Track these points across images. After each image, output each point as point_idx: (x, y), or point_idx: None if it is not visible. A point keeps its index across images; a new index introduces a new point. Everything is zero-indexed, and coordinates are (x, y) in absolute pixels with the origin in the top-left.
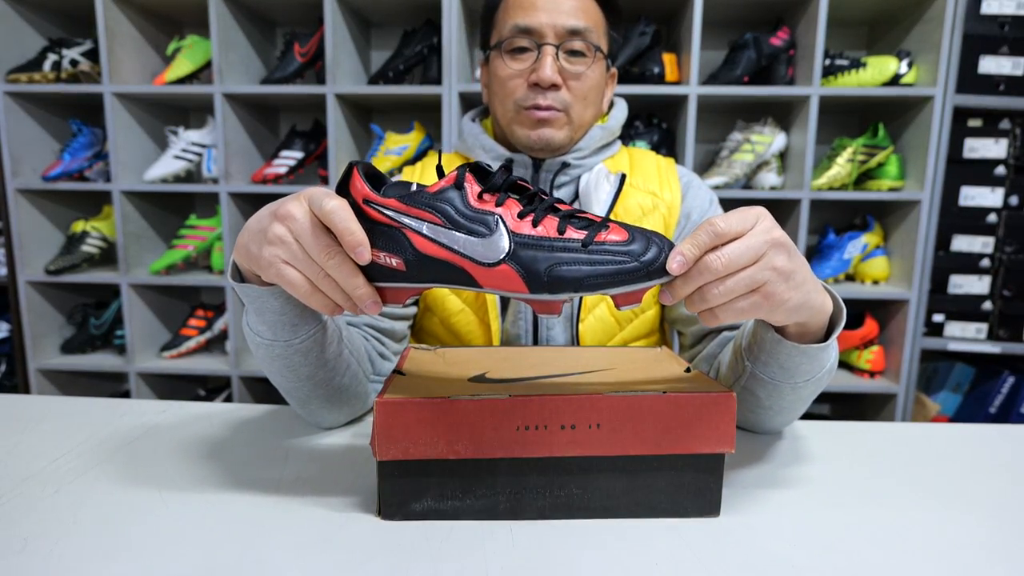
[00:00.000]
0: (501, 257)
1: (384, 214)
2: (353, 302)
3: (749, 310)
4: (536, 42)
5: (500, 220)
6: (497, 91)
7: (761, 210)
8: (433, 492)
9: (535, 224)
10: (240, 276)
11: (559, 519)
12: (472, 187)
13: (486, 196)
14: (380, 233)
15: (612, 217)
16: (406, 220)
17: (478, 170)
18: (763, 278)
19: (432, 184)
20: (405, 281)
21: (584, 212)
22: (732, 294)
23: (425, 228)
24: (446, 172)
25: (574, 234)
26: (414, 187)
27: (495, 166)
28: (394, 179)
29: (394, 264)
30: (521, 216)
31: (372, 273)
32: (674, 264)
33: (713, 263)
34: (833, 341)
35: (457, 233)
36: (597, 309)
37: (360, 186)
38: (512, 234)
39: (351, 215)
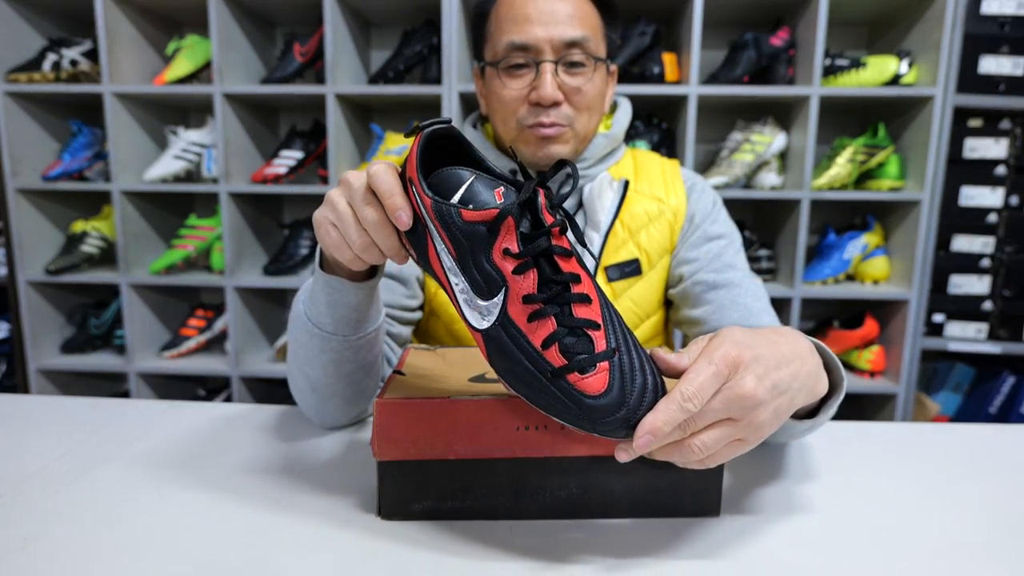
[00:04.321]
0: (481, 327)
1: (418, 203)
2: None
3: (732, 454)
4: (533, 59)
5: (503, 292)
6: (497, 109)
7: (730, 360)
8: (433, 492)
9: (530, 320)
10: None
11: (559, 519)
12: (504, 238)
13: (509, 259)
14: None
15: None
16: (431, 226)
17: (532, 204)
18: (743, 434)
19: (472, 208)
20: (416, 263)
21: (600, 328)
22: (711, 450)
23: (441, 248)
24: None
25: (554, 357)
26: (462, 190)
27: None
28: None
29: (408, 251)
30: (526, 301)
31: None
32: (641, 442)
33: (690, 447)
34: (831, 411)
35: (462, 276)
36: None
37: (412, 163)
38: (504, 313)
39: (395, 180)
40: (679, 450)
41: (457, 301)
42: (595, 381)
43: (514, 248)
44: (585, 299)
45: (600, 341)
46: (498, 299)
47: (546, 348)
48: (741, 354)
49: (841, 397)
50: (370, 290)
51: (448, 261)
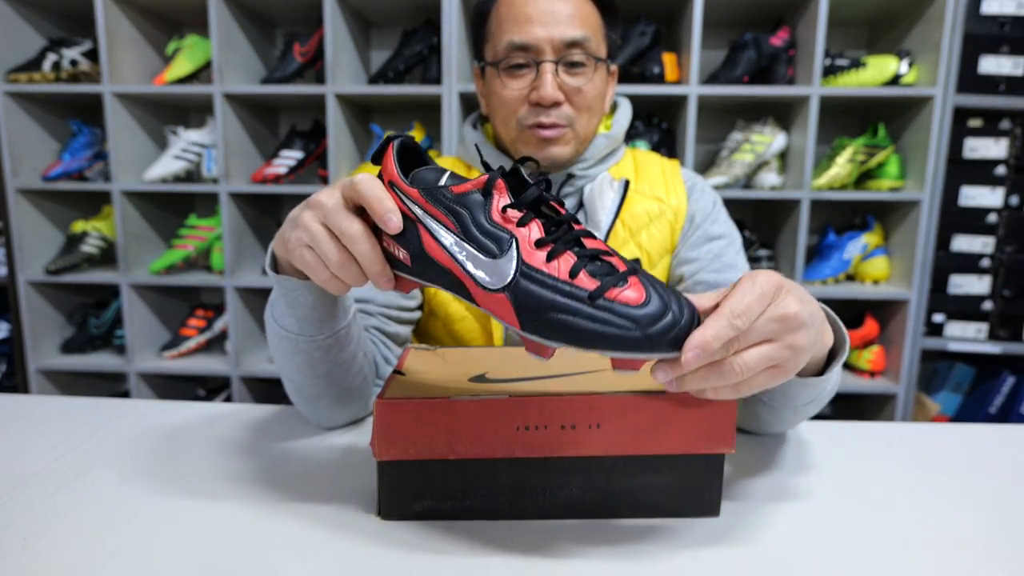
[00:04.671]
0: (502, 285)
1: (404, 202)
2: (366, 277)
3: (767, 382)
4: (534, 59)
5: (515, 243)
6: (498, 109)
7: (775, 282)
8: (433, 492)
9: (549, 259)
10: (278, 269)
11: (559, 519)
12: (499, 198)
13: (511, 212)
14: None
15: (634, 256)
16: (422, 215)
17: (514, 174)
18: (782, 357)
19: (460, 184)
20: (408, 274)
21: (612, 254)
22: (751, 372)
23: (437, 229)
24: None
25: (585, 282)
26: (444, 178)
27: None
28: (443, 171)
29: (400, 256)
30: (538, 245)
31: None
32: (690, 355)
33: (731, 367)
34: (836, 370)
35: (467, 245)
36: None
37: (390, 167)
38: (521, 262)
39: (381, 185)
40: (719, 371)
41: (470, 274)
42: (632, 293)
43: (509, 204)
44: (590, 234)
45: (619, 263)
46: (511, 252)
47: (574, 277)
48: (781, 280)
49: (846, 354)
50: (321, 289)
51: (449, 238)
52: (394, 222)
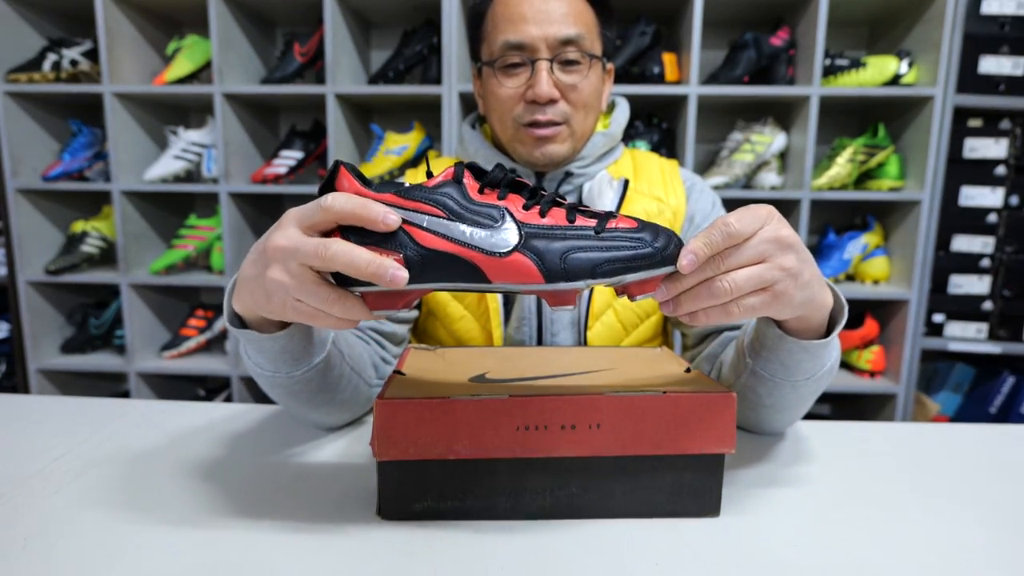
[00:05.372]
0: (513, 246)
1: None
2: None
3: (759, 307)
4: (529, 58)
5: (506, 212)
6: (494, 108)
7: (770, 209)
8: (433, 492)
9: (543, 215)
10: (237, 317)
11: (559, 519)
12: (470, 182)
13: (487, 191)
14: (375, 232)
15: None
16: (404, 214)
17: (475, 169)
18: (772, 277)
19: (427, 182)
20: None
21: (586, 206)
22: (741, 291)
23: (426, 221)
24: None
25: (585, 222)
26: (406, 185)
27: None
28: (397, 180)
29: (387, 257)
30: (527, 208)
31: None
32: (684, 261)
33: (720, 284)
34: (835, 338)
35: (462, 225)
36: (604, 316)
37: (350, 183)
38: (521, 224)
39: (353, 196)
40: (709, 289)
41: (478, 247)
42: (625, 223)
43: (483, 184)
44: (563, 197)
45: (596, 211)
46: (507, 219)
47: (573, 221)
48: (776, 212)
49: (845, 318)
50: (291, 337)
51: (442, 224)
52: (393, 218)
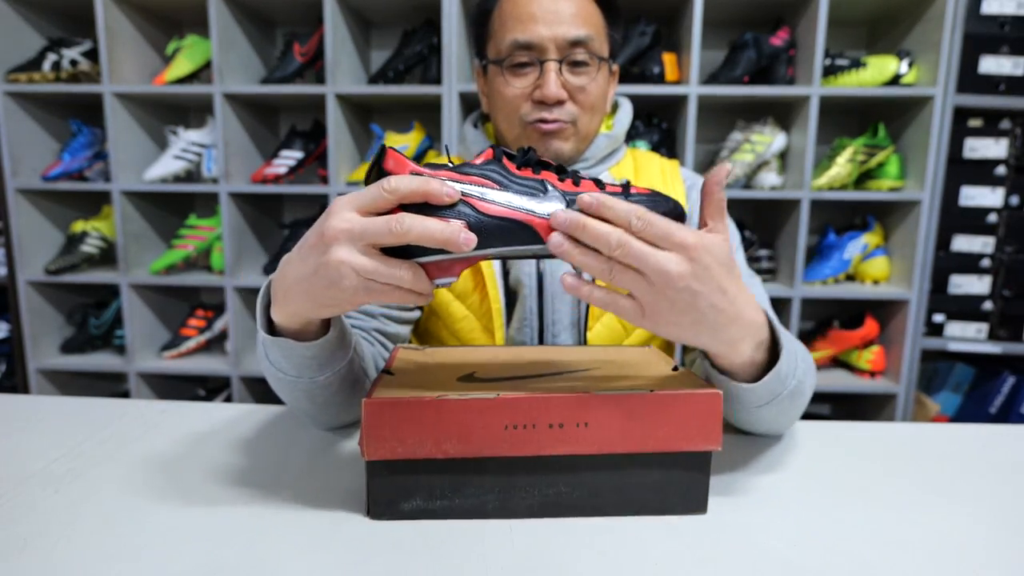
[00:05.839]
0: (562, 204)
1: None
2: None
3: (623, 308)
4: (537, 58)
5: (547, 183)
6: (501, 107)
7: (724, 254)
8: (422, 492)
9: (576, 184)
10: (268, 323)
11: (548, 517)
12: (508, 162)
13: (524, 168)
14: (435, 207)
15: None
16: (463, 187)
17: (506, 152)
18: (641, 293)
19: (473, 160)
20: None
21: (606, 182)
22: (615, 271)
23: (482, 192)
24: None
25: (613, 189)
26: (452, 164)
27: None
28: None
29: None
30: (561, 180)
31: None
32: (587, 199)
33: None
34: (766, 382)
35: (515, 195)
36: (605, 317)
37: (402, 164)
38: (563, 193)
39: (411, 176)
40: (593, 254)
41: (533, 211)
42: (642, 189)
43: (519, 163)
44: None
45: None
46: (551, 189)
47: (602, 188)
48: (730, 260)
49: (778, 367)
50: (324, 343)
51: (497, 193)
52: (456, 190)
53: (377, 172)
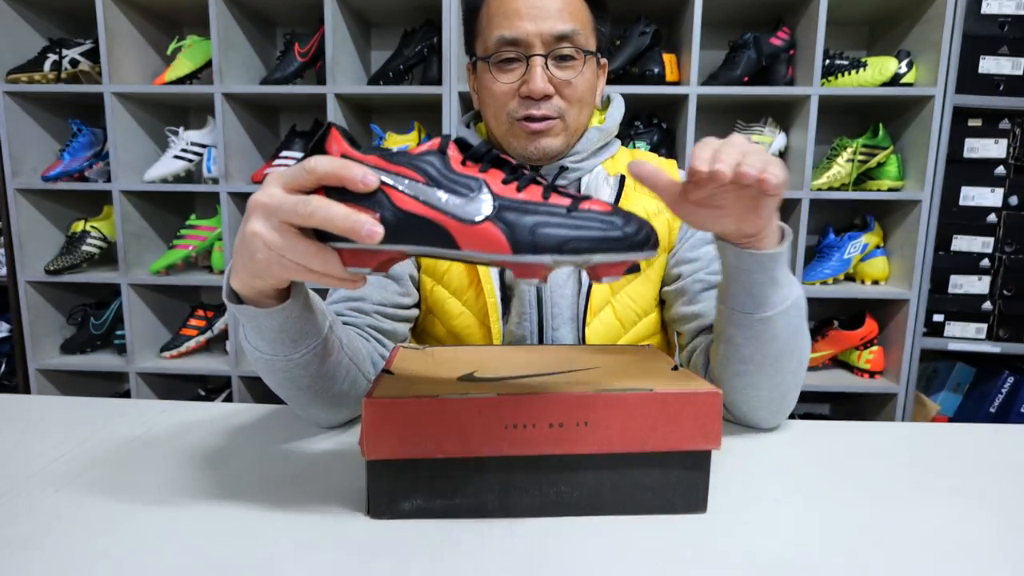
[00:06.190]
0: (485, 215)
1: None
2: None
3: (750, 200)
4: (523, 53)
5: (484, 184)
6: (489, 103)
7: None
8: (422, 491)
9: (519, 190)
10: (236, 296)
11: (547, 517)
12: (455, 154)
13: (469, 163)
14: (356, 193)
15: None
16: (386, 177)
17: (461, 143)
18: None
19: (412, 148)
20: (381, 243)
21: (564, 187)
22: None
23: (405, 185)
24: None
25: (559, 201)
26: (392, 150)
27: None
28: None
29: (365, 215)
30: (505, 183)
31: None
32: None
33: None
34: (785, 251)
35: (439, 191)
36: (602, 313)
37: (339, 144)
38: (496, 196)
39: (335, 158)
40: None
41: (451, 213)
42: (599, 205)
43: (465, 157)
44: (542, 176)
45: (573, 192)
46: (483, 190)
47: (547, 199)
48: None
49: (790, 238)
50: (288, 314)
51: (420, 188)
52: (371, 179)
53: (313, 149)
